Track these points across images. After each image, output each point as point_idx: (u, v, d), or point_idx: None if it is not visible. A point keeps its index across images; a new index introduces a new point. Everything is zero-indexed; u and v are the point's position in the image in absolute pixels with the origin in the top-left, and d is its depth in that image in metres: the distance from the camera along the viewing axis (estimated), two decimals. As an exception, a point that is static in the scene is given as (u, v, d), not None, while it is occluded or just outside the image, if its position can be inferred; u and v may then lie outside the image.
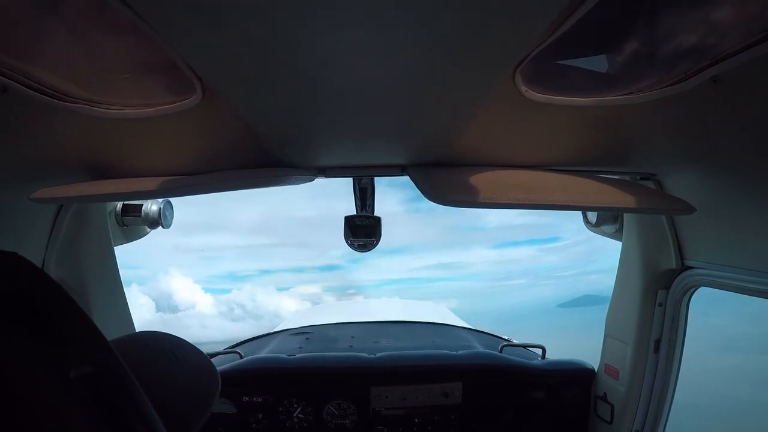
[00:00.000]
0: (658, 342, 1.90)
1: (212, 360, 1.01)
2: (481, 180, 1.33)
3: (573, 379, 2.21)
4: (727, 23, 0.93)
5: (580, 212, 2.14)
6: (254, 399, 2.13)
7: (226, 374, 2.09)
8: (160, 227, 2.12)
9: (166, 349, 0.87)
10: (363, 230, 1.92)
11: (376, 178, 1.85)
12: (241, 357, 2.26)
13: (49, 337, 0.48)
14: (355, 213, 1.97)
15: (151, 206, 2.08)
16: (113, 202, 2.05)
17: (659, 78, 1.09)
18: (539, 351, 2.41)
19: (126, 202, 2.08)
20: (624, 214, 2.00)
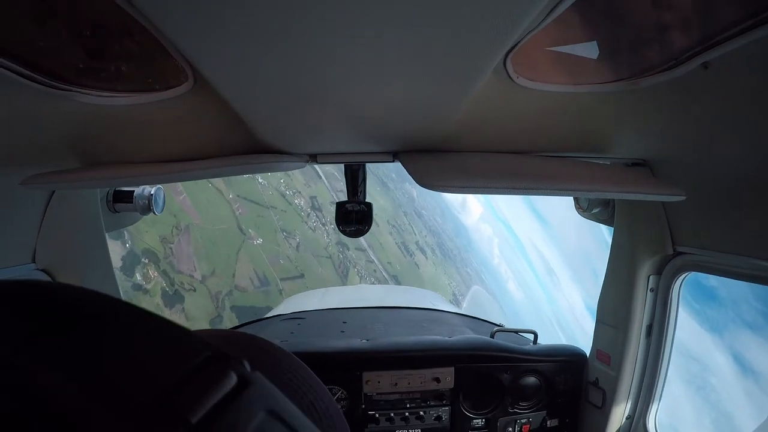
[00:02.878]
0: (649, 327, 1.92)
1: None
2: (472, 165, 1.33)
3: (565, 364, 2.21)
4: (718, 9, 0.92)
5: (572, 198, 2.12)
6: None
7: None
8: (151, 213, 2.11)
9: (305, 394, 0.59)
10: (354, 216, 1.94)
11: None
12: None
13: None
14: (346, 199, 1.97)
15: (143, 192, 2.07)
16: (104, 189, 2.04)
17: (650, 64, 1.08)
18: (531, 336, 2.42)
19: (117, 189, 2.08)
20: (616, 200, 2.00)
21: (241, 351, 0.61)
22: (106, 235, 2.04)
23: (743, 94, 1.06)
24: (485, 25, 0.72)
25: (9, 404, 0.26)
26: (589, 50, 1.05)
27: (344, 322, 2.92)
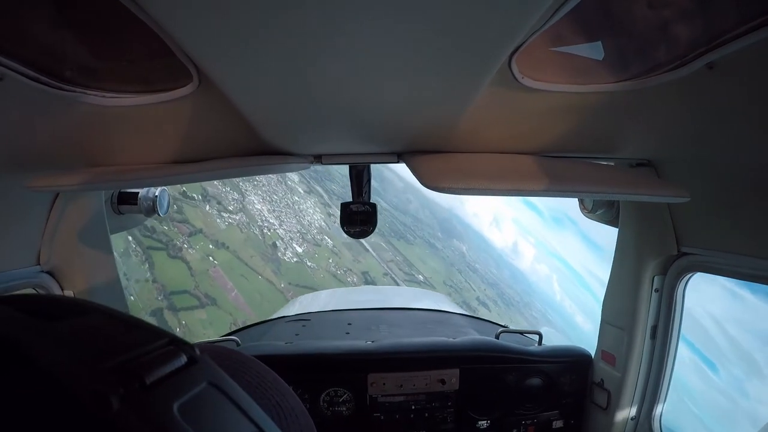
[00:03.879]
0: (654, 328, 1.90)
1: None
2: (477, 166, 1.34)
3: (570, 365, 2.20)
4: (723, 9, 0.93)
5: (576, 199, 2.13)
6: None
7: None
8: (155, 215, 2.12)
9: (272, 396, 0.65)
10: (359, 217, 1.96)
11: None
12: (238, 344, 2.24)
13: None
14: (351, 200, 2.00)
15: (147, 194, 2.08)
16: (109, 190, 2.05)
17: (655, 64, 1.09)
18: (536, 337, 2.42)
19: (122, 190, 2.08)
20: (620, 201, 1.99)
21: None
22: (111, 236, 2.03)
23: (748, 94, 1.07)
24: (490, 26, 0.73)
25: (12, 365, 0.35)
26: (593, 50, 1.06)
27: (349, 324, 2.92)
